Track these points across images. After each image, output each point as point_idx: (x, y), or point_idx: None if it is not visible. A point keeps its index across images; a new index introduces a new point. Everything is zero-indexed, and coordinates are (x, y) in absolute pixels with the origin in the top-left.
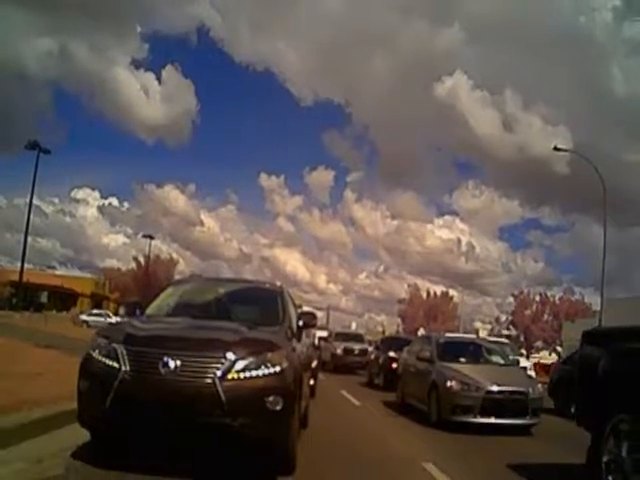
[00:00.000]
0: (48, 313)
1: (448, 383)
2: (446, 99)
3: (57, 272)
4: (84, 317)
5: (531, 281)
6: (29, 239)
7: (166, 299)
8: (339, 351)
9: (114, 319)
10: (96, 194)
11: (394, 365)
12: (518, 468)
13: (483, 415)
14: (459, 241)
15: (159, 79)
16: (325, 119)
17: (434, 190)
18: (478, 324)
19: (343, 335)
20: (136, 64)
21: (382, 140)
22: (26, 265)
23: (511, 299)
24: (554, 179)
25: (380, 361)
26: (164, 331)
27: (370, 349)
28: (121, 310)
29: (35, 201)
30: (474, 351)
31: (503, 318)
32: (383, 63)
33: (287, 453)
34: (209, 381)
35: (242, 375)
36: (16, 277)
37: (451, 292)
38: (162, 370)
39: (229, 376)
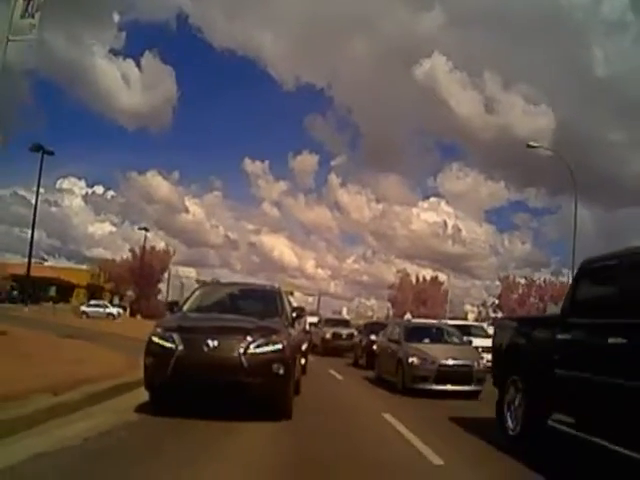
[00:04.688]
0: (47, 305)
1: (410, 359)
2: (427, 81)
3: (49, 264)
4: (84, 308)
5: (519, 263)
6: (16, 230)
7: (196, 299)
8: (328, 335)
9: (113, 309)
10: (82, 183)
11: (374, 347)
12: (455, 419)
13: (438, 383)
14: (445, 224)
15: (139, 66)
16: (308, 103)
17: (418, 173)
18: (468, 307)
19: (332, 321)
20: (115, 52)
21: (365, 124)
22: (16, 256)
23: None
24: (538, 160)
25: (363, 344)
26: (203, 322)
27: (356, 333)
28: (165, 310)
29: (22, 192)
30: (436, 334)
31: (490, 301)
32: (365, 46)
33: (287, 402)
34: (236, 355)
35: (257, 350)
36: (16, 270)
37: (440, 276)
38: (205, 348)
39: (249, 351)
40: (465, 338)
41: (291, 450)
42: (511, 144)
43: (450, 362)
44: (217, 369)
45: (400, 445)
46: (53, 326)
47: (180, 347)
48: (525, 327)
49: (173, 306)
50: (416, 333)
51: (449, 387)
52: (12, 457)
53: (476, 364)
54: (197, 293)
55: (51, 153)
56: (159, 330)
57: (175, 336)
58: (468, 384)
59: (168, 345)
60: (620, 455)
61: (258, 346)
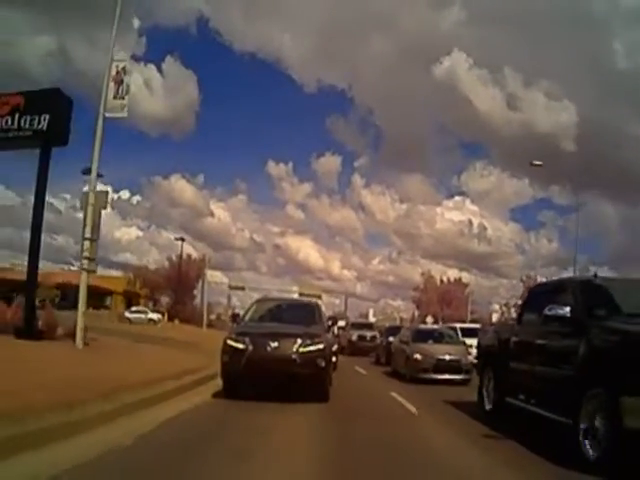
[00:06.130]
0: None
1: (415, 355)
2: (447, 79)
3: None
4: (127, 314)
5: (546, 261)
6: (44, 236)
7: (254, 312)
8: (354, 338)
9: (154, 315)
10: (108, 189)
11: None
12: (449, 401)
13: (436, 373)
14: (470, 223)
15: (161, 71)
16: (329, 105)
17: (441, 172)
18: (496, 306)
19: (357, 325)
20: (136, 58)
21: (386, 123)
22: (46, 263)
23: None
24: (562, 156)
25: (383, 344)
26: (265, 329)
27: (378, 336)
28: (229, 320)
29: (48, 198)
30: (436, 336)
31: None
32: (384, 45)
33: (326, 389)
34: (290, 353)
35: (305, 349)
36: (57, 279)
37: (465, 276)
38: (268, 348)
39: (300, 350)
40: (467, 340)
41: (330, 417)
42: (534, 141)
43: (445, 357)
44: (277, 364)
45: (396, 407)
46: (116, 332)
47: (250, 347)
48: (496, 332)
49: (236, 317)
50: (421, 335)
51: (444, 376)
52: (177, 409)
53: (464, 359)
54: (254, 307)
55: (100, 176)
56: (233, 335)
57: (246, 339)
58: (458, 374)
59: (241, 346)
60: (551, 419)
61: (306, 346)
